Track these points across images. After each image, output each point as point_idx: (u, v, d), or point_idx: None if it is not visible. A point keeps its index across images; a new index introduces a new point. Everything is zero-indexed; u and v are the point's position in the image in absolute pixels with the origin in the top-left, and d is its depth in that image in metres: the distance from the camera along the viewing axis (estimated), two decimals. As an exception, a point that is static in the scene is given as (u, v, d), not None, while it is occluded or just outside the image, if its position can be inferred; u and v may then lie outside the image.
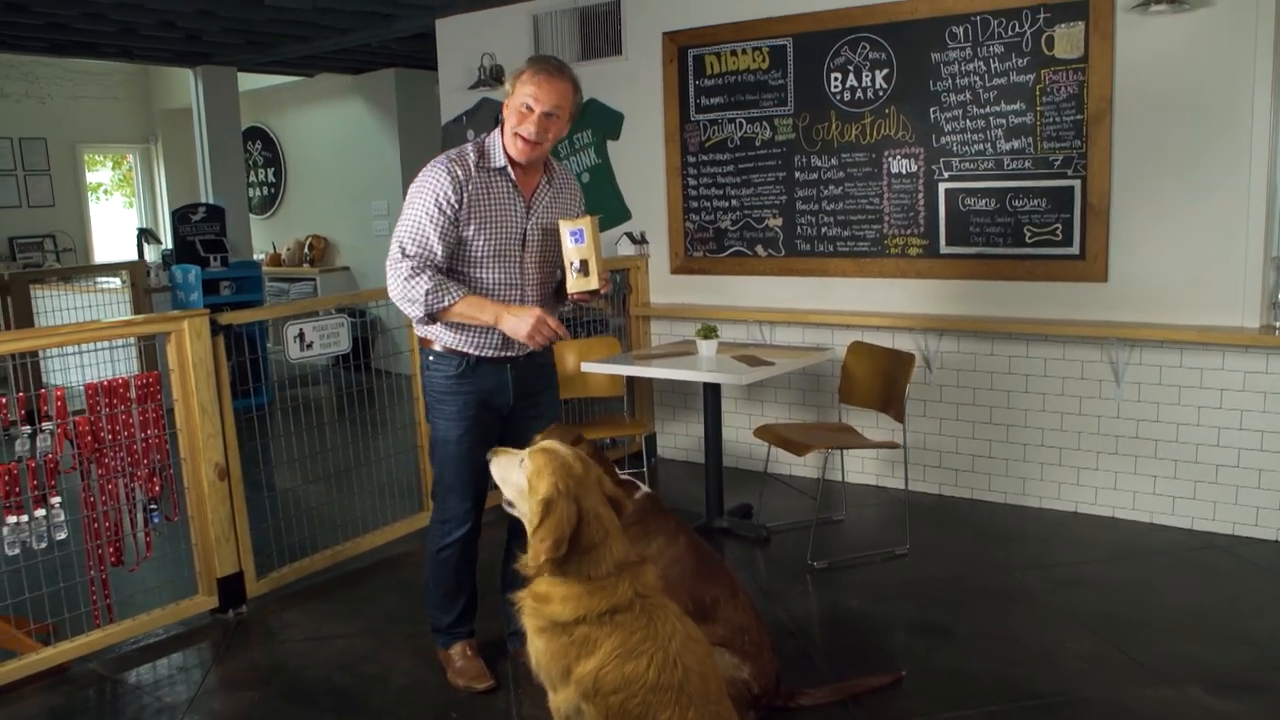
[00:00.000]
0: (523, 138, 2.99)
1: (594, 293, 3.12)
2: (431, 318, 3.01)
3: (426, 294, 2.95)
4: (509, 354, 3.16)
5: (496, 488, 2.53)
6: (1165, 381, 4.62)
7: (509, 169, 3.07)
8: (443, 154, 3.08)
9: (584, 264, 3.07)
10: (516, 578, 2.45)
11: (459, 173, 3.01)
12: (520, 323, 2.97)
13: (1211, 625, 3.67)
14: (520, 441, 3.09)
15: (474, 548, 3.34)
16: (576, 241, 3.07)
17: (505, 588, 3.37)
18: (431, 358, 3.17)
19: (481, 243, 3.05)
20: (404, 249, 2.99)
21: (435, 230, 2.99)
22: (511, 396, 3.21)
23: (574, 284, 3.10)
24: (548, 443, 2.47)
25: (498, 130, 3.09)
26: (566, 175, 3.33)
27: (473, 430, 3.16)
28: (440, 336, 3.12)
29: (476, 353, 3.13)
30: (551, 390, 3.40)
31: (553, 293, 3.28)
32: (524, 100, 2.98)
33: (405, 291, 2.97)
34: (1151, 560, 4.31)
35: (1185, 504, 4.63)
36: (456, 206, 3.00)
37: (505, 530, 3.35)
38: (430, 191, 3.00)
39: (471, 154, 3.06)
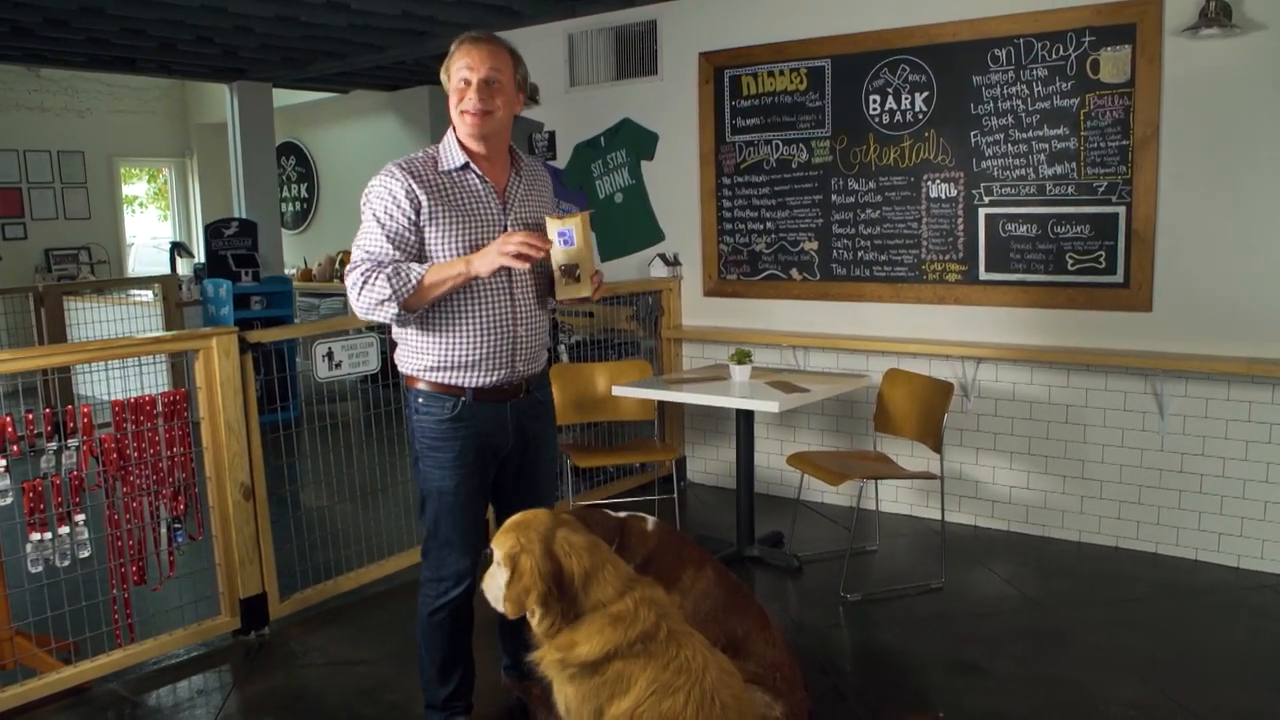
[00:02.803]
0: (468, 112, 2.70)
1: (585, 299, 2.82)
2: (409, 308, 2.66)
3: (390, 282, 2.61)
4: (508, 381, 2.84)
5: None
6: (1211, 414, 4.49)
7: (472, 164, 2.77)
8: (389, 164, 2.79)
9: (572, 269, 2.75)
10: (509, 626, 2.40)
11: (408, 178, 2.71)
12: (491, 251, 2.61)
13: (1265, 672, 3.53)
14: (517, 493, 2.96)
15: (470, 607, 2.98)
16: (566, 244, 2.75)
17: (502, 633, 3.27)
18: (421, 400, 2.82)
19: (458, 247, 2.73)
20: (356, 262, 2.72)
21: (386, 237, 2.69)
22: (511, 439, 2.91)
23: (562, 290, 2.79)
24: (506, 523, 2.46)
25: (449, 135, 2.80)
26: (534, 164, 3.02)
27: (471, 478, 2.86)
28: (428, 373, 2.81)
29: (474, 383, 2.80)
30: (549, 436, 3.09)
31: (546, 291, 2.94)
32: (459, 76, 2.70)
33: (369, 296, 2.65)
34: (1197, 600, 4.17)
35: (1231, 541, 4.49)
36: (410, 209, 2.69)
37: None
38: (378, 201, 2.72)
39: (421, 160, 2.76)
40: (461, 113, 2.72)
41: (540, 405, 3.01)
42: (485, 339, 2.78)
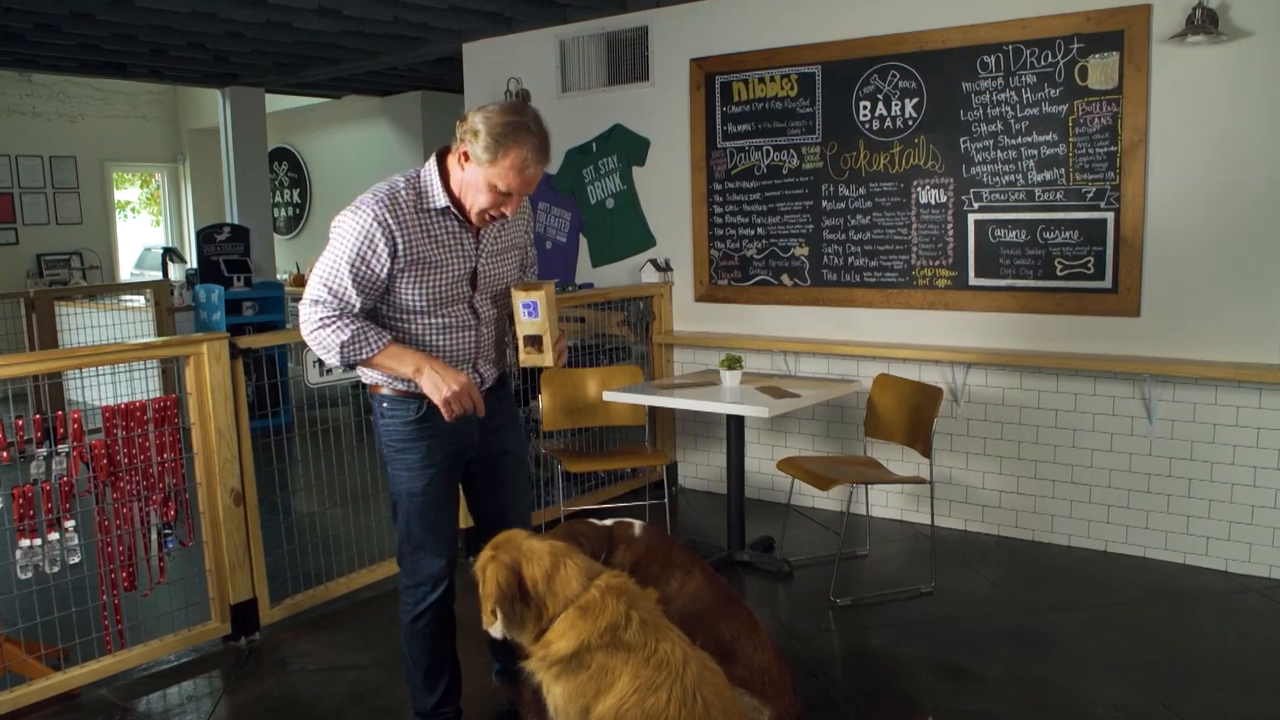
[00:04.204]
0: (492, 216, 2.72)
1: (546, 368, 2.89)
2: (349, 366, 2.74)
3: (342, 346, 2.66)
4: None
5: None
6: (1199, 419, 4.51)
7: (453, 209, 2.73)
8: (371, 193, 2.69)
9: (537, 339, 2.79)
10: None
11: (390, 220, 2.64)
12: (441, 383, 2.67)
13: (1252, 675, 3.55)
14: (490, 489, 3.03)
15: (451, 611, 3.01)
16: (530, 315, 2.77)
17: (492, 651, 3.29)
18: (385, 404, 2.85)
19: (427, 290, 2.74)
20: (317, 297, 2.68)
21: (353, 280, 2.65)
22: (476, 436, 2.94)
23: (525, 359, 2.84)
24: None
25: (434, 169, 2.72)
26: None
27: (440, 477, 2.89)
28: (389, 380, 2.82)
29: None
30: (514, 424, 3.10)
31: (505, 338, 3.01)
32: (502, 182, 2.63)
33: (319, 340, 2.69)
34: (1186, 603, 4.19)
35: (1219, 545, 4.52)
36: (387, 260, 2.66)
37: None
38: (354, 239, 2.65)
39: (405, 193, 2.69)
40: (483, 212, 2.70)
41: (501, 400, 3.04)
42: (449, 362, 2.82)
